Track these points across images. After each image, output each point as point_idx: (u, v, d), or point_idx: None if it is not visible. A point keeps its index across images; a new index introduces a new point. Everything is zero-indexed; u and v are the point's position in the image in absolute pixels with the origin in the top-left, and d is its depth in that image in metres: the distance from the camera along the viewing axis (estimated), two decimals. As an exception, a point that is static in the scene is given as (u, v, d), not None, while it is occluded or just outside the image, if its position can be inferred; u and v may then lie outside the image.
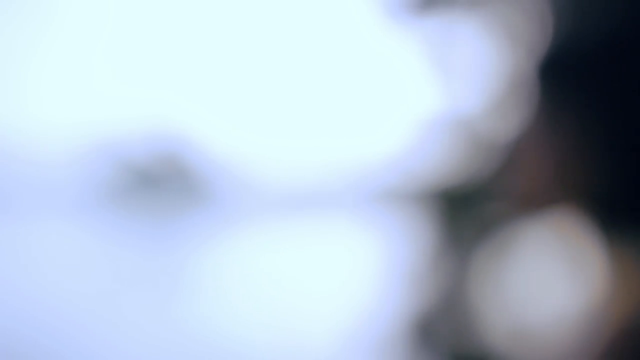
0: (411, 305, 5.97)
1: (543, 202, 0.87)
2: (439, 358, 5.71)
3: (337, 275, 18.76)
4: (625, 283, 0.77)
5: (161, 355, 8.63)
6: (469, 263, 5.75)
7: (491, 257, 5.64)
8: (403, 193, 6.54)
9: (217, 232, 33.83)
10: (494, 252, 5.56)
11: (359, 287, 12.52)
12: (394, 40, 6.16)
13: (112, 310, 12.47)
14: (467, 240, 5.77)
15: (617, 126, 0.85)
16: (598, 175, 0.84)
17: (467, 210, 5.71)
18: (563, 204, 0.86)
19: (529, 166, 0.89)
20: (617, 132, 0.85)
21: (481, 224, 5.69)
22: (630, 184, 0.83)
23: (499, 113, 5.67)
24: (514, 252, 5.32)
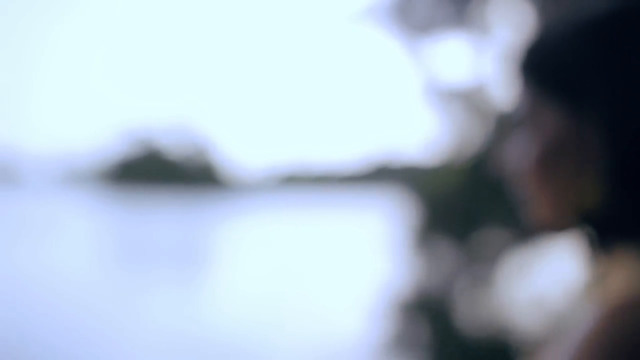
0: (412, 283, 5.97)
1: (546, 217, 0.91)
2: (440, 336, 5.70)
3: (347, 253, 18.85)
4: (613, 279, 0.84)
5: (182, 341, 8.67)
6: (482, 245, 5.75)
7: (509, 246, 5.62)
8: (411, 171, 6.55)
9: (233, 217, 34.03)
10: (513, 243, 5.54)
11: (369, 263, 12.50)
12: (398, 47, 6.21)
13: (127, 294, 12.52)
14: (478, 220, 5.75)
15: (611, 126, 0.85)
16: (594, 191, 0.86)
17: (477, 182, 5.71)
18: (563, 219, 0.89)
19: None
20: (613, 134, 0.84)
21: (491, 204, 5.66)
22: (624, 201, 0.84)
23: (494, 100, 5.68)
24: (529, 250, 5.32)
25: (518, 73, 0.92)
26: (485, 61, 5.80)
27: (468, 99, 5.83)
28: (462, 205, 5.73)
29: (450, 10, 5.82)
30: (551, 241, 0.94)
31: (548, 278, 5.50)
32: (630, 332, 0.76)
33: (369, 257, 15.74)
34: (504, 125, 5.35)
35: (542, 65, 0.89)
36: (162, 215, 38.78)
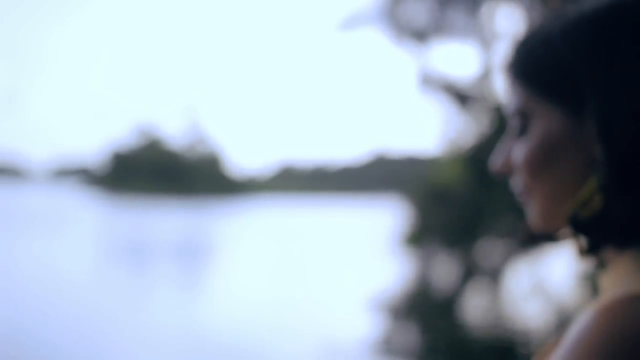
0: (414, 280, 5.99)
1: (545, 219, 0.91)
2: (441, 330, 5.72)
3: (348, 252, 19.03)
4: (611, 280, 0.87)
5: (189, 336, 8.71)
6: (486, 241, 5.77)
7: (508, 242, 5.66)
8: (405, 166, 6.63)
9: (234, 216, 34.44)
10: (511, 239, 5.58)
11: (369, 262, 12.63)
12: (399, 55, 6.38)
13: (128, 293, 12.56)
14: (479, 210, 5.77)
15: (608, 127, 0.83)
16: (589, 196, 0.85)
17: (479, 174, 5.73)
18: (558, 220, 0.90)
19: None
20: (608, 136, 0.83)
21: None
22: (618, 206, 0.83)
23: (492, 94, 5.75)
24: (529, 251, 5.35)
25: (510, 71, 0.91)
26: (483, 60, 5.82)
27: (467, 96, 5.85)
28: (461, 202, 5.73)
29: (450, 12, 5.87)
30: (551, 242, 0.94)
31: (548, 278, 5.49)
32: (627, 327, 0.76)
33: (370, 255, 15.81)
34: (503, 122, 5.36)
35: (533, 62, 0.88)
36: (163, 213, 38.96)
